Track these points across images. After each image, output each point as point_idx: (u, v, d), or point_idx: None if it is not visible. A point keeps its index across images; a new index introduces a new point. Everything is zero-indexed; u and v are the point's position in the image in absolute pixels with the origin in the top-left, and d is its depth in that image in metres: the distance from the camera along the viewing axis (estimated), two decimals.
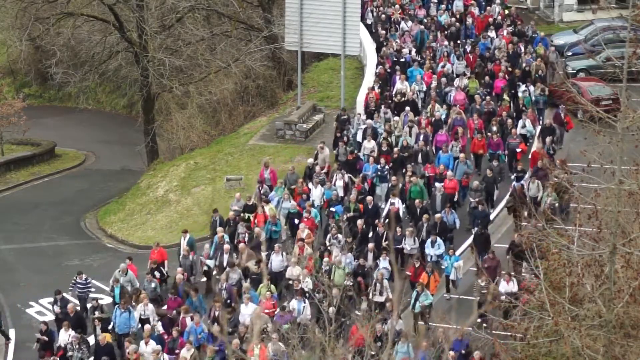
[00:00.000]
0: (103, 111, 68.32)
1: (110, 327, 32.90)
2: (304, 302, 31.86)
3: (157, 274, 35.34)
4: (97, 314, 33.14)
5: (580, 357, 23.20)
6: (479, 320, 30.79)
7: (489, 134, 41.36)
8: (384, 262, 34.00)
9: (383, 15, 53.51)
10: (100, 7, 54.05)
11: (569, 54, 51.31)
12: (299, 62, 49.96)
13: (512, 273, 32.67)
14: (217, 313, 32.10)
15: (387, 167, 39.83)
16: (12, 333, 36.07)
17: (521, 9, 57.55)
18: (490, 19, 52.47)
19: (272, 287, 33.18)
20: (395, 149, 40.78)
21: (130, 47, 53.18)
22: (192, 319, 31.88)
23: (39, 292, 36.48)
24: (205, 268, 35.81)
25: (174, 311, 32.90)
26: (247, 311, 32.10)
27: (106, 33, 55.01)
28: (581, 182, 25.50)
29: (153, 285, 34.76)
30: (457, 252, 35.38)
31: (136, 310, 32.97)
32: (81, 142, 61.24)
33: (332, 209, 37.44)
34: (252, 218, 37.83)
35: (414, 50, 49.83)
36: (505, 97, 44.71)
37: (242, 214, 37.98)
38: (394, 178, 38.83)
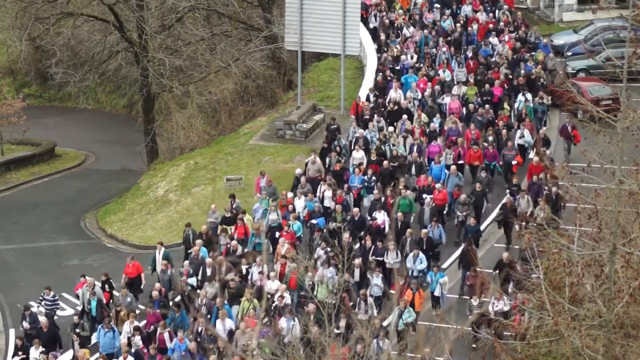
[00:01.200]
0: (103, 111, 68.36)
1: (90, 344, 32.25)
2: (293, 321, 30.58)
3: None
4: (77, 331, 32.45)
5: (580, 357, 23.19)
6: (473, 346, 30.73)
7: (485, 144, 40.35)
8: (376, 279, 32.98)
9: (386, 20, 52.72)
10: (100, 7, 54.07)
11: (569, 54, 51.27)
12: (299, 62, 49.98)
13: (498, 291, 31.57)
14: (200, 329, 31.28)
15: (374, 178, 38.86)
16: (11, 333, 36.11)
17: (521, 9, 57.51)
18: (491, 25, 51.26)
19: (255, 301, 32.10)
20: (385, 162, 39.55)
21: (130, 47, 53.20)
22: (169, 335, 31.21)
23: (39, 292, 36.40)
24: (189, 288, 34.17)
25: (152, 326, 32.14)
26: (222, 327, 31.25)
27: (106, 33, 55.05)
28: (581, 182, 25.48)
29: (129, 299, 33.81)
30: (443, 265, 34.55)
31: (123, 329, 31.98)
32: (81, 142, 61.28)
33: (313, 221, 36.43)
34: (230, 230, 36.75)
35: (415, 56, 48.90)
36: (506, 106, 43.86)
37: (221, 226, 37.20)
38: (375, 192, 37.79)
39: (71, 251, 43.21)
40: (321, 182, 38.82)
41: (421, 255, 34.01)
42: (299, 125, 47.81)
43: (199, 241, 35.65)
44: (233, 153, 48.10)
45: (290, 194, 38.69)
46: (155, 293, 33.36)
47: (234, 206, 38.42)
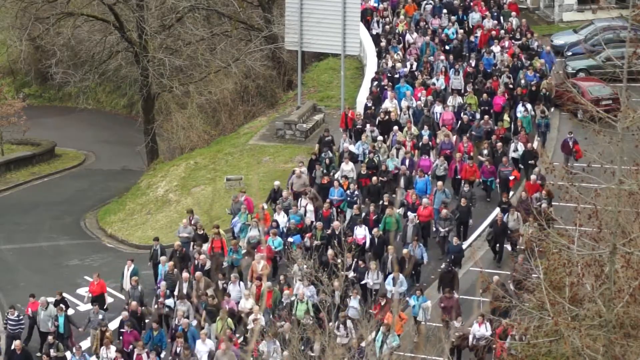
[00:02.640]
0: (103, 111, 68.36)
1: None
2: (275, 344, 29.45)
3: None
4: (52, 352, 31.52)
5: (580, 357, 23.20)
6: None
7: (482, 159, 39.32)
8: (353, 302, 31.62)
9: (387, 27, 51.81)
10: (100, 7, 54.12)
11: (569, 54, 51.25)
12: (299, 62, 49.96)
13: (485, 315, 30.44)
14: (179, 349, 30.52)
15: (356, 192, 37.70)
16: None
17: (521, 9, 57.45)
18: (494, 33, 49.85)
19: (230, 320, 31.22)
20: (374, 179, 38.42)
21: (130, 47, 53.23)
22: (148, 355, 30.51)
23: (39, 292, 36.43)
24: (166, 310, 33.12)
25: (131, 345, 31.26)
26: (203, 348, 30.53)
27: (106, 33, 55.10)
28: (581, 182, 25.49)
29: (100, 317, 32.64)
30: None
31: (100, 355, 31.13)
32: (81, 142, 61.29)
33: (289, 239, 35.37)
34: (205, 245, 35.81)
35: (415, 64, 47.76)
36: (506, 117, 42.73)
37: (194, 242, 36.42)
38: (355, 206, 36.70)
39: (71, 251, 43.21)
40: (302, 196, 37.83)
41: (401, 277, 32.66)
42: (299, 125, 47.82)
43: (163, 258, 34.97)
44: (233, 153, 48.12)
45: (265, 206, 37.65)
46: (124, 314, 32.38)
47: (192, 221, 37.44)
